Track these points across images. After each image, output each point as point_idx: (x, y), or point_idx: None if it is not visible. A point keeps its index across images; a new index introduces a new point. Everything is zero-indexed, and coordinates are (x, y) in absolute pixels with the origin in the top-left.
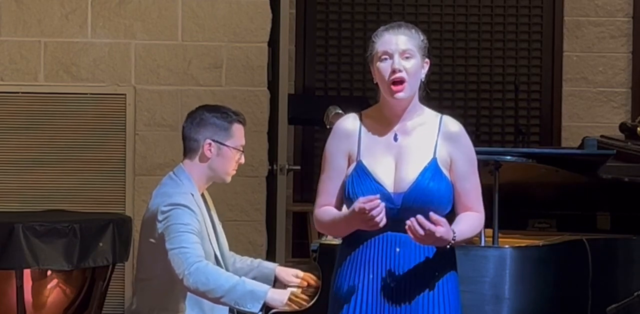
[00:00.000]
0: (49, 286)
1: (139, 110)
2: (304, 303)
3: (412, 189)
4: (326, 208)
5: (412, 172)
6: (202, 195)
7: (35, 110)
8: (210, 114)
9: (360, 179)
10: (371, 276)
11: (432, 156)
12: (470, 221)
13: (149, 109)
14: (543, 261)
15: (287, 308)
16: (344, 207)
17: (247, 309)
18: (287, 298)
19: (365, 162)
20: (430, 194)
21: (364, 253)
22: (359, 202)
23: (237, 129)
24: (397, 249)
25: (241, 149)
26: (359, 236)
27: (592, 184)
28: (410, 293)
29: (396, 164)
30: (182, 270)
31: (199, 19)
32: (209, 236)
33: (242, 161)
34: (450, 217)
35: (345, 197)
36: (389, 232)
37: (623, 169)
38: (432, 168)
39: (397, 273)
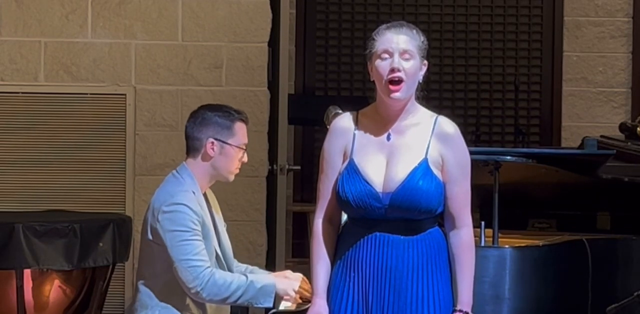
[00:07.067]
0: (49, 286)
1: (139, 110)
2: (307, 294)
3: (400, 188)
4: (321, 240)
5: (401, 172)
6: (205, 194)
7: (35, 110)
8: (212, 113)
9: (351, 177)
10: (361, 276)
11: (423, 156)
12: (467, 272)
13: (149, 109)
14: (543, 261)
15: (290, 299)
16: (319, 271)
17: (261, 306)
18: (293, 287)
19: (356, 160)
20: (418, 194)
21: (354, 253)
22: None
23: (240, 128)
24: (387, 250)
25: (244, 147)
26: (349, 236)
27: (592, 184)
28: (400, 293)
29: (387, 163)
30: (194, 285)
31: (199, 19)
32: (209, 234)
33: (245, 159)
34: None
35: (336, 194)
36: (377, 233)
37: (623, 169)
38: (423, 168)
39: (387, 273)
